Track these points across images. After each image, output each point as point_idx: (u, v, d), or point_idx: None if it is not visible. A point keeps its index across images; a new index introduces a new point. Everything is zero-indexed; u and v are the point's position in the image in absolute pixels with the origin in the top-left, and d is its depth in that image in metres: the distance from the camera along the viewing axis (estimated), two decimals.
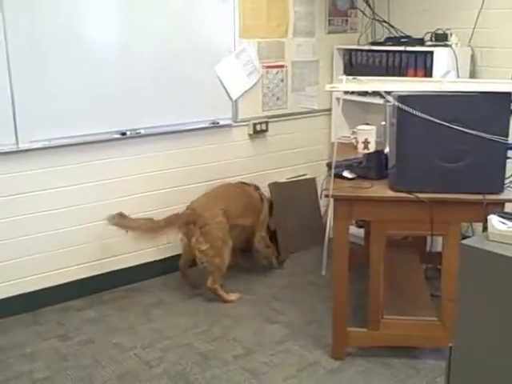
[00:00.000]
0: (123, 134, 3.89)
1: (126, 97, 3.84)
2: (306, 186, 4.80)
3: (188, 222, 3.79)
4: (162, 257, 4.23)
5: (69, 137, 3.67)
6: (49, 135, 3.59)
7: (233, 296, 3.89)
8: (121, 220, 3.73)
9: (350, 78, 2.97)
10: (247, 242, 4.21)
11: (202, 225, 3.76)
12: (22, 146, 3.52)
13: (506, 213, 2.25)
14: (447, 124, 2.72)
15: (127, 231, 3.76)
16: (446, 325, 2.97)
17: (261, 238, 4.21)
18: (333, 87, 2.95)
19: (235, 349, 3.34)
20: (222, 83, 4.24)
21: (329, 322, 3.25)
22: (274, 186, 4.61)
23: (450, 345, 2.12)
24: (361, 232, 4.45)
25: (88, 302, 3.88)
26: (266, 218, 4.29)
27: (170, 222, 3.80)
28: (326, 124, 4.92)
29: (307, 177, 4.82)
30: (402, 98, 2.77)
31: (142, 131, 3.96)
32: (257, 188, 4.31)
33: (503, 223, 2.03)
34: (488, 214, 2.07)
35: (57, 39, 3.53)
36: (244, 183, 4.28)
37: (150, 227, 3.78)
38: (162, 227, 3.80)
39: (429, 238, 4.06)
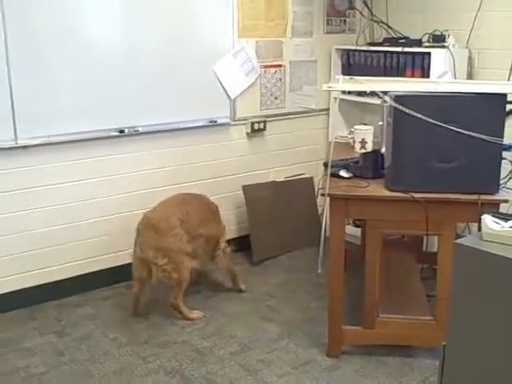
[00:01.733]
0: (121, 131, 3.90)
1: (124, 95, 3.85)
2: (304, 185, 4.83)
3: (149, 236, 3.55)
4: None
5: (67, 133, 3.69)
6: (48, 132, 3.61)
7: (195, 314, 3.67)
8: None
9: (347, 77, 2.99)
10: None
11: (158, 237, 3.54)
12: (21, 142, 3.54)
13: (500, 213, 2.27)
14: (443, 124, 2.74)
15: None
16: (441, 324, 2.99)
17: (225, 247, 3.93)
18: (329, 87, 2.96)
19: (231, 346, 3.36)
20: (220, 82, 4.26)
21: (324, 320, 3.27)
22: (271, 185, 4.63)
23: (444, 343, 2.14)
24: (358, 231, 4.47)
25: (86, 299, 3.90)
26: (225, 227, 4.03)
27: (137, 241, 3.60)
28: (324, 124, 4.94)
29: (305, 176, 4.84)
30: (399, 98, 2.79)
31: (140, 129, 3.98)
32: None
33: (497, 223, 2.05)
34: (482, 214, 2.10)
35: (57, 36, 3.55)
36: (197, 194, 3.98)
37: None
38: None
39: (425, 238, 4.09)
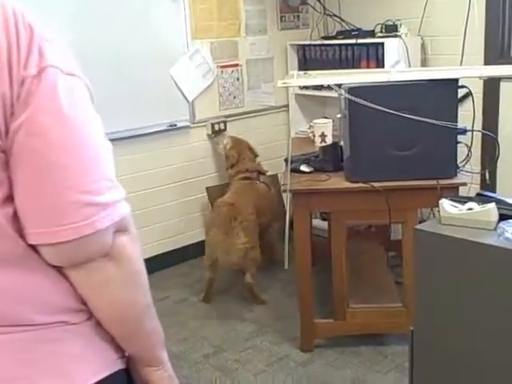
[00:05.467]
0: None
1: None
2: (267, 181, 4.82)
3: (230, 217, 3.73)
4: None
5: None
6: None
7: (264, 296, 3.87)
8: None
9: (301, 73, 3.00)
10: None
11: (242, 220, 3.74)
12: None
13: (457, 196, 2.31)
14: (397, 113, 2.77)
15: None
16: (411, 310, 3.02)
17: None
18: (284, 83, 2.97)
19: (205, 348, 3.35)
20: (177, 85, 4.25)
21: (296, 315, 3.28)
22: None
23: (411, 328, 2.17)
24: (326, 225, 4.48)
25: None
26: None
27: (215, 223, 3.78)
28: (285, 120, 4.95)
29: (269, 173, 4.84)
30: (352, 90, 2.81)
31: None
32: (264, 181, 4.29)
33: (454, 206, 2.08)
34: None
35: None
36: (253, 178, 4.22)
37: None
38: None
39: (392, 226, 4.13)
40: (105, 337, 1.13)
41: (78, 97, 1.03)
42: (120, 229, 1.07)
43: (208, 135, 4.51)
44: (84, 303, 1.09)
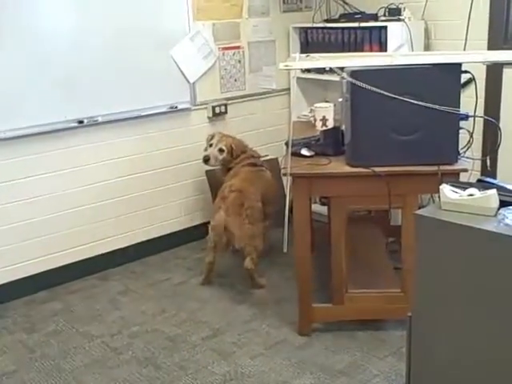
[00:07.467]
0: (80, 122, 3.84)
1: (82, 84, 3.78)
2: (269, 167, 4.80)
3: (238, 204, 3.73)
4: (126, 245, 4.21)
5: (25, 127, 3.61)
6: (4, 126, 3.53)
7: (263, 281, 3.85)
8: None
9: (303, 55, 2.97)
10: None
11: (248, 206, 3.75)
12: None
13: (458, 182, 2.30)
14: (399, 97, 2.74)
15: None
16: (409, 296, 3.01)
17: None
18: (286, 65, 2.94)
19: (203, 331, 3.35)
20: (178, 67, 4.22)
21: (295, 299, 3.28)
22: None
23: (409, 314, 2.16)
24: (325, 210, 4.47)
25: (53, 294, 3.85)
26: None
27: (221, 206, 3.73)
28: (286, 104, 4.92)
29: (269, 157, 4.82)
30: (355, 73, 2.78)
31: (100, 119, 3.91)
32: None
33: (455, 192, 2.07)
34: None
35: (6, 26, 3.45)
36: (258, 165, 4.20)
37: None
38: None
39: (391, 212, 4.12)
40: None
41: None
42: None
43: (209, 118, 4.48)
44: None
